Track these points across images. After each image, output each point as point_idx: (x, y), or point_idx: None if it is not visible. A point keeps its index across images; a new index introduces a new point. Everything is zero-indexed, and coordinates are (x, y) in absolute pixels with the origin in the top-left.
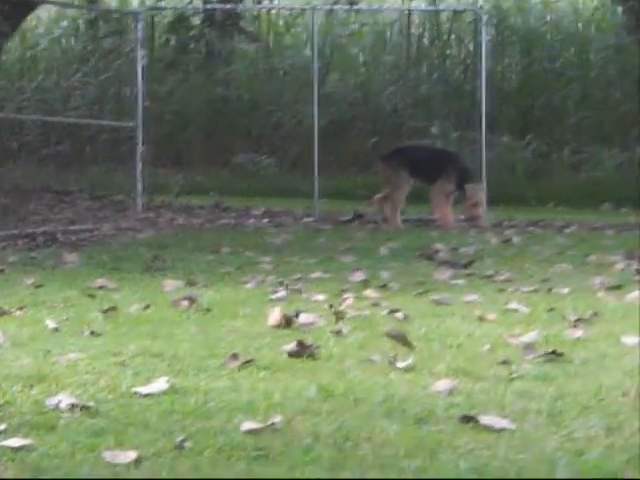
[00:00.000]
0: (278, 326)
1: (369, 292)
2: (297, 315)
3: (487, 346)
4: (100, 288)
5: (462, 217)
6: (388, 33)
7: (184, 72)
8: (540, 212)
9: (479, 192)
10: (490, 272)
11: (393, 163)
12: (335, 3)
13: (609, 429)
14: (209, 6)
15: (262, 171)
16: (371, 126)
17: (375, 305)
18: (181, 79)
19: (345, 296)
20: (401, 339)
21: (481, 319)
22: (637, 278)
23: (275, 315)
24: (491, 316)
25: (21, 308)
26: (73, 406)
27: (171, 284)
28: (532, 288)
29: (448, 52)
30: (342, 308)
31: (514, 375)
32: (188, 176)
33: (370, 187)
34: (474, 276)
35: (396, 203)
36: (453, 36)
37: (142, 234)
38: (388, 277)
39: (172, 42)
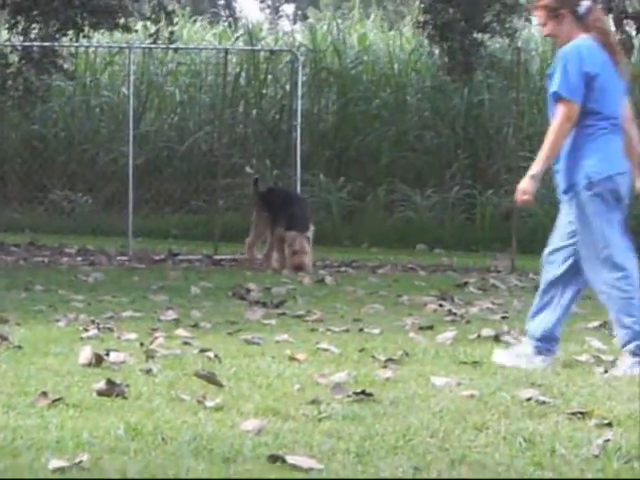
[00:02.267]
0: (89, 364)
1: (180, 331)
2: (108, 354)
3: (297, 386)
4: None
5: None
6: (204, 73)
7: (1, 109)
8: (354, 252)
9: (298, 239)
10: (302, 312)
11: (257, 203)
12: (153, 42)
13: (416, 469)
14: (27, 43)
15: (77, 209)
16: (186, 165)
17: (186, 344)
18: None
19: (156, 335)
20: (210, 378)
21: (291, 359)
22: (449, 319)
23: (86, 353)
24: (301, 356)
25: None
26: None
27: None
28: (343, 328)
29: (265, 92)
30: (153, 347)
31: (323, 415)
32: (3, 213)
33: (184, 227)
34: (285, 316)
35: (251, 238)
36: (270, 76)
37: None
38: (200, 316)
39: None
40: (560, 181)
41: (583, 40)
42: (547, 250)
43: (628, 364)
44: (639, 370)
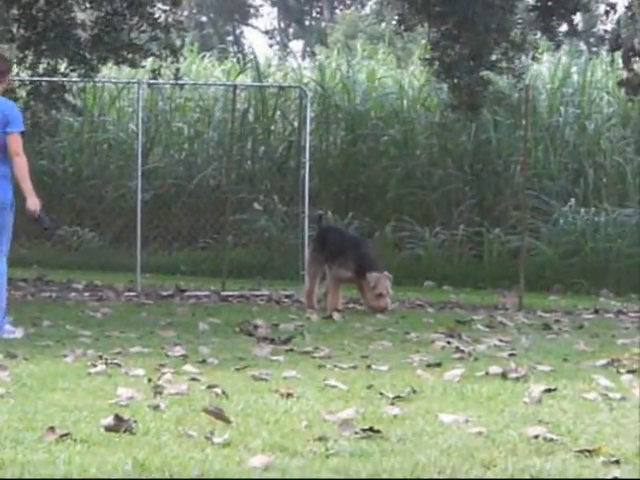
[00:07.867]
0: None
1: (188, 367)
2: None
3: (304, 422)
4: None
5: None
6: (213, 108)
7: None
8: None
9: (381, 281)
10: (309, 348)
11: (312, 244)
12: (153, 78)
13: None
14: (35, 78)
15: (85, 244)
16: (194, 201)
17: (193, 380)
18: None
19: (164, 371)
20: (218, 414)
21: (299, 395)
22: (457, 356)
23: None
24: (309, 392)
25: None
26: None
27: None
28: (351, 365)
29: (273, 128)
30: (160, 383)
31: (330, 452)
32: (11, 248)
33: (192, 262)
34: (293, 352)
35: (307, 283)
36: (278, 112)
37: None
38: (207, 352)
39: None
40: None
41: None
42: None
43: None
44: None
